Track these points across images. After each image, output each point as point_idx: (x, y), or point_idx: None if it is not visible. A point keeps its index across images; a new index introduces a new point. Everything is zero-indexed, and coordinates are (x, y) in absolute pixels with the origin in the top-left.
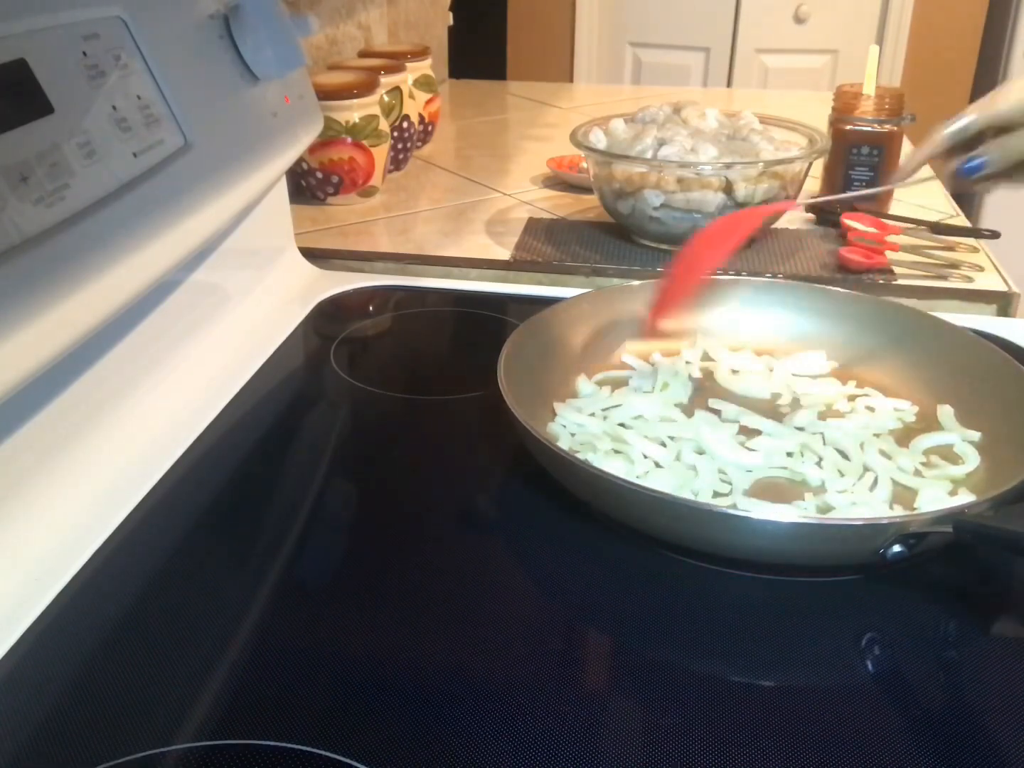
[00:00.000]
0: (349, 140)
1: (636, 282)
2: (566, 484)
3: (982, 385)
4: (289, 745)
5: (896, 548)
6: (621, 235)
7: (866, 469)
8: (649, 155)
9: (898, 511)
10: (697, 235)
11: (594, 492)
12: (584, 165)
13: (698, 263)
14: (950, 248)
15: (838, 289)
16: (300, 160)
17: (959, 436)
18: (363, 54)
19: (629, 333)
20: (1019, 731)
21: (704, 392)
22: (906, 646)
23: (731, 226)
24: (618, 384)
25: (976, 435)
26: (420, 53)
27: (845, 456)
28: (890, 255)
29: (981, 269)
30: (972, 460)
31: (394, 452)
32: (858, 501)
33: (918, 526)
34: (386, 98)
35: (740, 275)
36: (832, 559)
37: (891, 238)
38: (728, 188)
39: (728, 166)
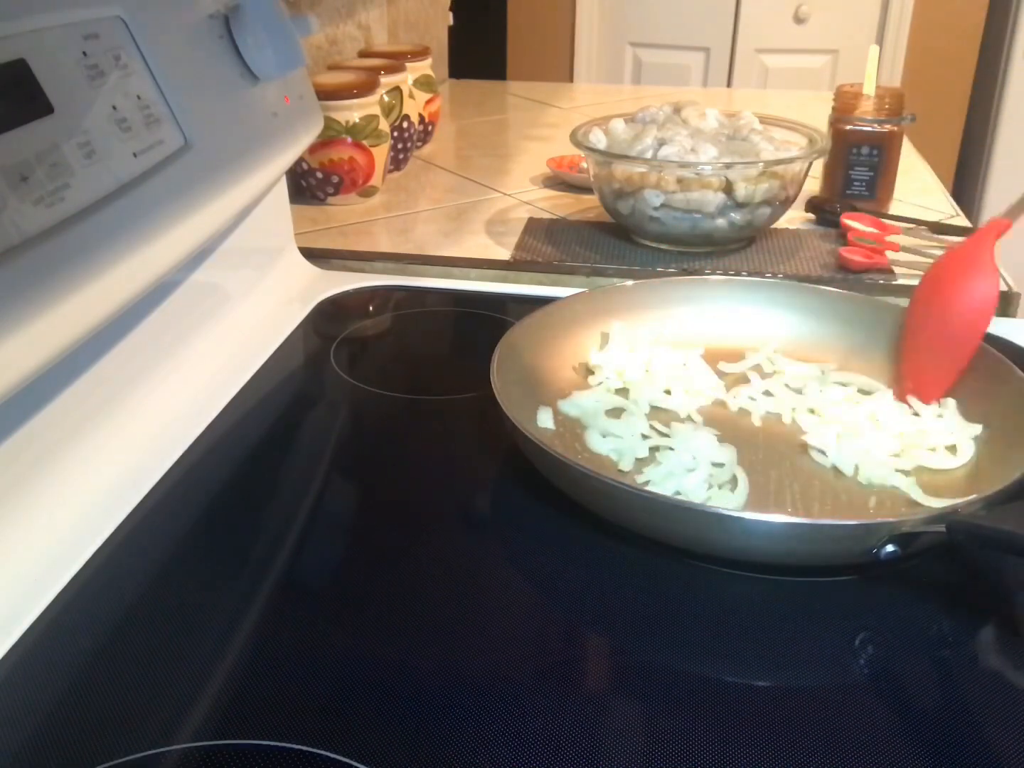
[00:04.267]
0: (349, 140)
1: (629, 282)
2: (558, 484)
3: (976, 384)
4: (289, 745)
5: (889, 548)
6: (621, 235)
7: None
8: (649, 155)
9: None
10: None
11: (585, 492)
12: (584, 165)
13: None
14: (950, 248)
15: (837, 289)
16: (300, 160)
17: (971, 432)
18: (363, 54)
19: (623, 332)
20: (1014, 729)
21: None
22: (904, 645)
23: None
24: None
25: (978, 428)
26: (420, 53)
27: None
28: (890, 255)
29: None
30: (967, 454)
31: (394, 452)
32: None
33: (911, 526)
34: (386, 98)
35: (739, 275)
36: (825, 559)
37: (891, 238)
38: (728, 188)
39: (728, 166)
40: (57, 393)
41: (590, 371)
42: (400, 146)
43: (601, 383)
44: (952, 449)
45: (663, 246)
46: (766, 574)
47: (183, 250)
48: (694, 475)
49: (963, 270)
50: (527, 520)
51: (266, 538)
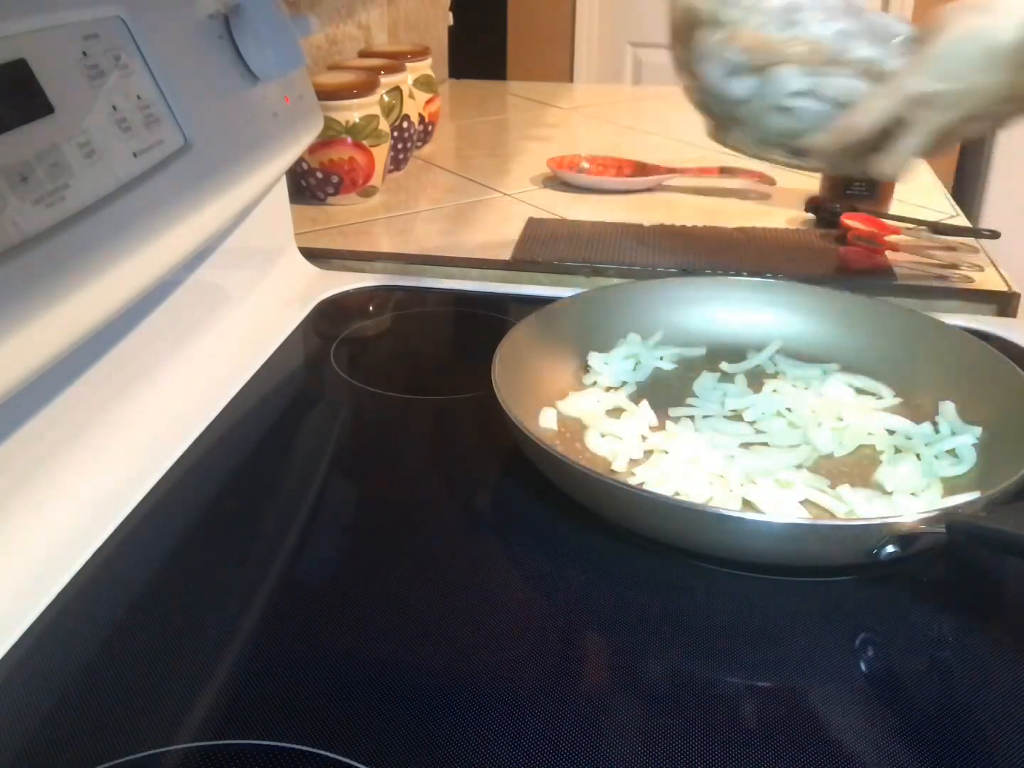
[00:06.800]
0: (349, 140)
1: (629, 282)
2: (559, 484)
3: (976, 384)
4: (289, 745)
5: (889, 548)
6: (622, 235)
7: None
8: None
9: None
10: None
11: (586, 492)
12: (584, 165)
13: None
14: (950, 248)
15: (837, 290)
16: (300, 160)
17: (971, 435)
18: (363, 54)
19: (624, 333)
20: (1014, 731)
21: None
22: (904, 645)
23: None
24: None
25: (978, 430)
26: (420, 53)
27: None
28: (890, 255)
29: (981, 269)
30: (968, 460)
31: (394, 452)
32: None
33: (911, 526)
34: (386, 98)
35: (740, 275)
36: (825, 559)
37: (891, 238)
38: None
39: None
40: (57, 393)
41: (589, 372)
42: (400, 146)
43: (596, 383)
44: (953, 453)
45: (775, 155)
46: (766, 574)
47: (183, 250)
48: (694, 476)
49: None
50: (527, 520)
51: (266, 538)
